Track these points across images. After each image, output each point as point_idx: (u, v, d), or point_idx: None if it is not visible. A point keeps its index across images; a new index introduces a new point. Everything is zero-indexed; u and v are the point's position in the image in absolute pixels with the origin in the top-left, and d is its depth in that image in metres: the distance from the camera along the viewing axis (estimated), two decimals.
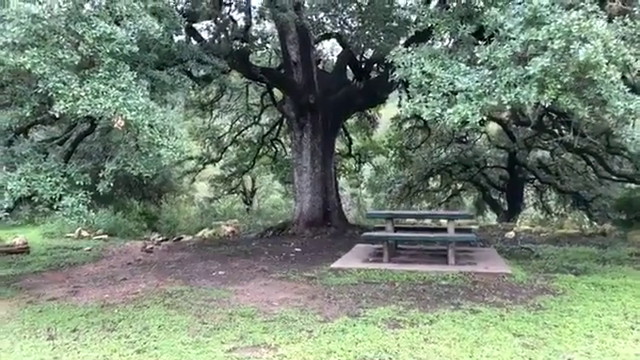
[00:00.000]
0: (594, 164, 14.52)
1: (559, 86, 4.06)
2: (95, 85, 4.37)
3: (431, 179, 24.07)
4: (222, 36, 11.64)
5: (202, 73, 8.15)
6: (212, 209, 20.39)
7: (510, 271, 7.06)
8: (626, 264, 7.98)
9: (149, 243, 12.05)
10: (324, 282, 6.79)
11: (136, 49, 4.56)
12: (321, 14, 15.69)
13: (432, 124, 4.79)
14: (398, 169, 22.91)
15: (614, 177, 14.26)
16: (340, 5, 15.01)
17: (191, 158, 19.25)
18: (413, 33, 12.29)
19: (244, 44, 11.41)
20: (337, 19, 15.74)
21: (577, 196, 21.81)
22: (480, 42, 4.60)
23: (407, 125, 20.52)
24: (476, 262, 7.84)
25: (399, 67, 4.99)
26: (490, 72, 4.38)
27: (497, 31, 4.40)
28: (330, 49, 16.72)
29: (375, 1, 14.24)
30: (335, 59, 15.54)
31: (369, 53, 15.29)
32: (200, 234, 13.91)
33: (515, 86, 4.19)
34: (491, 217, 24.68)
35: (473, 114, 4.32)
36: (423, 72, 4.66)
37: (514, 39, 4.18)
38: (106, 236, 13.45)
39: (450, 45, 5.08)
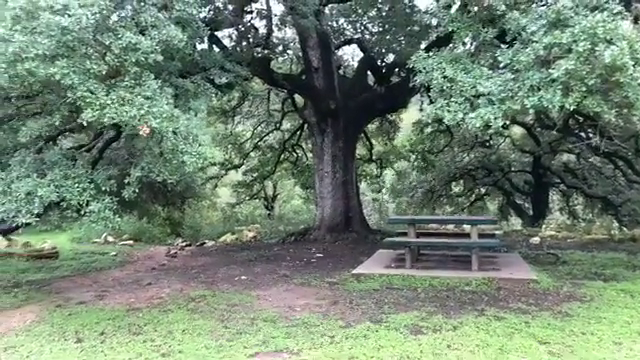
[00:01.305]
0: (623, 168, 14.13)
1: (584, 89, 3.98)
2: (121, 94, 4.49)
3: (454, 184, 23.84)
4: (244, 43, 11.81)
5: (224, 80, 8.25)
6: (234, 214, 20.58)
7: (535, 277, 6.93)
8: None
9: (173, 248, 12.24)
10: (346, 287, 6.79)
11: (160, 58, 4.66)
12: (341, 20, 15.80)
13: (454, 128, 4.75)
14: (420, 174, 22.76)
15: None
16: (360, 10, 15.08)
17: (214, 164, 19.47)
18: (434, 37, 12.25)
19: (265, 51, 11.54)
20: (357, 24, 15.82)
21: (605, 201, 21.27)
22: (502, 45, 4.55)
23: (429, 129, 20.37)
24: (500, 268, 7.72)
25: (420, 72, 4.97)
26: (513, 76, 4.32)
27: (519, 34, 4.34)
28: (351, 54, 16.75)
29: (396, 6, 14.26)
30: (356, 64, 15.58)
31: (390, 58, 15.27)
32: (223, 239, 14.06)
33: (539, 89, 4.13)
34: (515, 222, 24.25)
35: (495, 118, 4.27)
36: (444, 77, 4.63)
37: (537, 42, 4.13)
38: (131, 241, 13.72)
39: (472, 49, 5.03)
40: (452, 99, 4.58)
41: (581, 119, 14.58)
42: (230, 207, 21.94)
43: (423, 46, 13.95)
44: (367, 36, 15.84)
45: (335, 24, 15.24)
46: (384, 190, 24.92)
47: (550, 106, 4.07)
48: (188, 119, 5.20)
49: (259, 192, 22.08)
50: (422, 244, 8.27)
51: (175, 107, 5.31)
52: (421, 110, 18.86)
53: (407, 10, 13.88)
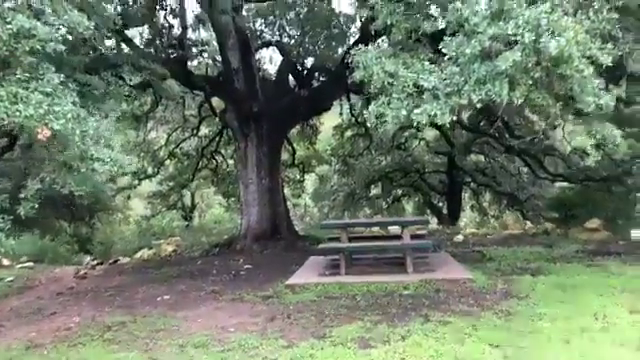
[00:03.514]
0: (532, 165, 15.06)
1: (530, 82, 3.92)
2: (12, 89, 3.71)
3: (372, 186, 24.25)
4: (157, 42, 10.96)
5: (138, 79, 7.46)
6: (150, 227, 19.22)
7: (471, 276, 6.94)
8: (574, 261, 8.15)
9: (82, 268, 11.02)
10: (281, 301, 6.34)
11: (61, 48, 3.93)
12: (259, 21, 15.36)
13: (374, 131, 4.49)
14: (341, 177, 22.92)
15: (551, 177, 14.85)
16: (279, 12, 14.75)
17: (125, 174, 18.07)
18: (355, 38, 12.21)
19: (180, 52, 10.79)
20: (276, 27, 15.50)
21: (512, 197, 22.72)
22: (446, 38, 4.39)
23: (349, 133, 20.55)
24: (434, 268, 7.68)
25: (358, 67, 4.69)
26: (458, 69, 4.18)
27: (462, 26, 4.22)
28: (269, 58, 16.37)
29: (314, 9, 14.10)
30: (275, 68, 15.20)
31: (309, 61, 15.12)
32: (139, 255, 12.98)
33: (485, 83, 4.01)
34: (431, 221, 25.11)
35: (443, 114, 4.09)
36: (385, 71, 4.39)
37: (482, 33, 4.01)
38: (31, 263, 12.21)
39: (408, 44, 4.85)
40: (394, 96, 4.34)
41: (493, 119, 15.39)
42: (145, 220, 20.50)
43: (340, 50, 13.98)
44: (286, 39, 15.59)
45: (253, 26, 14.80)
46: (305, 195, 24.75)
47: (498, 100, 3.96)
48: (98, 121, 4.47)
49: (176, 202, 20.83)
50: (356, 249, 8.03)
51: (82, 107, 4.59)
52: (341, 114, 18.98)
53: (326, 13, 13.80)
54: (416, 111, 4.16)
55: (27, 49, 3.73)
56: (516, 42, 3.93)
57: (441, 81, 4.18)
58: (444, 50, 4.26)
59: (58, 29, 3.93)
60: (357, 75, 4.69)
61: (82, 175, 4.28)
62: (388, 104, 4.34)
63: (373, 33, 5.51)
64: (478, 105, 4.10)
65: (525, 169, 22.49)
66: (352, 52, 4.91)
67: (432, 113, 4.08)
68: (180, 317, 5.84)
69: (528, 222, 17.52)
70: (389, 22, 4.66)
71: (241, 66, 11.62)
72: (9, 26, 3.68)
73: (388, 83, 4.37)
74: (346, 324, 5.14)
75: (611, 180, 12.67)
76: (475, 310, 5.41)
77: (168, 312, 6.08)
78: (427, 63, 4.46)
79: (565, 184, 16.56)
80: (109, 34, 6.71)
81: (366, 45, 4.92)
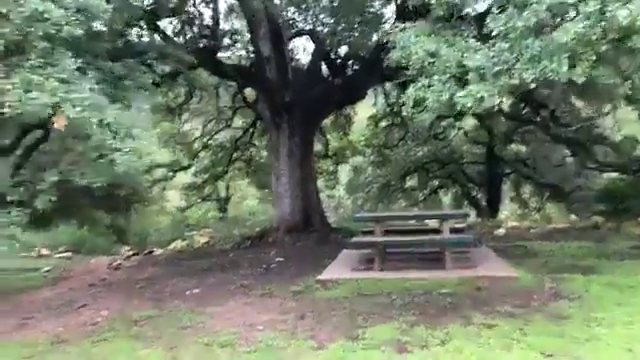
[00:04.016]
0: (580, 155, 14.19)
1: (594, 57, 3.44)
2: (26, 76, 3.53)
3: (408, 178, 23.72)
4: (189, 36, 10.81)
5: (166, 69, 7.28)
6: (185, 219, 19.35)
7: (515, 274, 6.47)
8: (629, 258, 7.53)
9: (116, 259, 11.10)
10: (312, 297, 6.06)
11: (79, 32, 3.73)
12: (292, 9, 15.05)
13: (435, 111, 4.06)
14: (376, 169, 22.52)
15: (600, 167, 13.95)
16: (311, 0, 14.40)
17: (160, 166, 18.24)
18: (391, 23, 11.72)
19: (212, 41, 10.62)
20: (309, 15, 15.16)
21: (556, 188, 21.72)
22: (494, 10, 3.93)
23: (384, 123, 20.07)
24: (475, 265, 7.23)
25: (394, 48, 4.30)
26: (507, 45, 3.72)
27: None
28: (302, 47, 16.08)
29: None
30: (308, 58, 14.86)
31: (343, 50, 14.72)
32: (172, 246, 13.01)
33: (540, 60, 3.55)
34: (470, 214, 24.36)
35: (491, 95, 3.65)
36: (425, 50, 3.98)
37: (537, 3, 3.53)
38: (69, 253, 12.41)
39: (450, 22, 4.41)
40: (435, 77, 3.93)
41: (534, 105, 14.59)
42: (180, 211, 20.68)
43: (375, 38, 13.48)
44: (319, 27, 15.22)
45: (285, 14, 14.52)
46: (339, 186, 24.43)
47: (556, 78, 3.49)
48: (119, 109, 4.27)
49: (211, 194, 20.89)
50: (391, 243, 7.66)
51: (110, 99, 4.40)
52: (375, 104, 18.49)
53: None
54: (460, 93, 3.73)
55: (41, 33, 3.55)
56: (577, 12, 3.45)
57: (489, 59, 3.71)
58: (491, 25, 3.80)
59: (74, 12, 3.74)
60: (394, 55, 4.29)
61: (101, 166, 4.10)
62: (428, 87, 3.92)
63: (412, 10, 5.06)
64: (532, 85, 3.63)
65: (570, 159, 21.48)
66: (388, 32, 4.50)
67: (479, 95, 3.64)
68: (208, 313, 5.65)
69: (573, 215, 16.63)
70: None
71: (273, 55, 11.36)
72: (22, 9, 3.51)
73: (428, 63, 3.95)
74: (380, 324, 4.81)
75: None
76: (522, 312, 4.96)
77: (196, 307, 5.90)
78: (472, 40, 4.01)
79: (615, 174, 15.60)
80: (137, 22, 6.55)
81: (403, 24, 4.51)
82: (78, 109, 3.60)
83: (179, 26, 10.77)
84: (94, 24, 4.66)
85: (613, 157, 14.56)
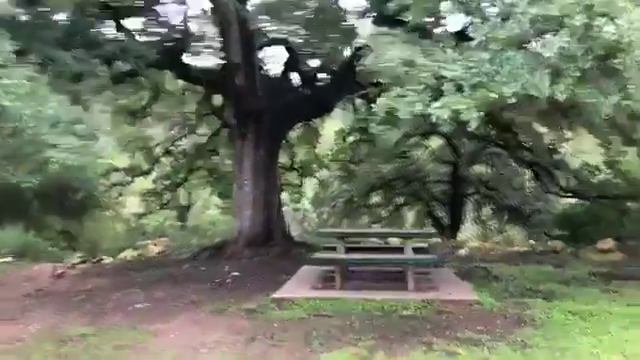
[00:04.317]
0: (543, 179, 14.40)
1: (577, 73, 3.27)
2: None
3: (373, 194, 23.70)
4: (154, 34, 10.34)
5: (127, 67, 6.81)
6: (142, 226, 18.55)
7: (477, 297, 6.29)
8: (590, 285, 7.49)
9: (61, 267, 10.36)
10: (266, 317, 5.68)
11: (15, 11, 3.30)
12: (265, 17, 14.80)
13: (404, 127, 3.80)
14: (342, 183, 22.43)
15: (562, 192, 14.18)
16: (285, 11, 14.21)
17: (117, 170, 17.47)
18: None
19: (179, 42, 10.16)
20: (282, 25, 14.97)
21: (516, 211, 22.10)
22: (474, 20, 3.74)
23: (351, 138, 19.99)
24: (437, 286, 7.01)
25: (366, 55, 4.04)
26: (488, 56, 3.52)
27: (494, 5, 3.57)
28: (274, 57, 15.81)
29: (324, 7, 13.53)
30: (279, 67, 14.60)
31: (315, 62, 14.55)
32: (123, 255, 12.33)
33: (521, 74, 3.34)
34: (435, 233, 24.45)
35: (468, 108, 3.43)
36: (400, 59, 3.74)
37: (521, 14, 3.34)
38: (9, 259, 11.55)
39: (427, 30, 4.21)
40: (409, 87, 3.69)
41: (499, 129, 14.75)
42: (137, 218, 19.83)
43: (348, 52, 13.37)
44: (292, 38, 15.04)
45: (258, 22, 14.27)
46: (305, 200, 24.14)
47: (537, 95, 3.30)
48: (60, 102, 3.83)
49: (170, 201, 20.11)
50: (354, 261, 7.37)
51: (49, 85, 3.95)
52: (343, 119, 18.36)
53: (335, 10, 13.21)
54: (435, 104, 3.50)
55: None
56: (562, 25, 3.28)
57: (467, 70, 3.51)
58: (472, 34, 3.60)
59: None
60: (367, 61, 4.02)
61: (33, 163, 3.63)
62: (402, 97, 3.68)
63: (389, 18, 4.80)
64: (512, 100, 3.43)
65: (530, 183, 21.97)
66: (364, 36, 4.26)
67: (455, 108, 3.41)
68: (151, 331, 5.19)
69: (533, 241, 16.85)
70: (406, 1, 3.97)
71: (243, 61, 11.02)
72: None
73: (403, 72, 3.71)
74: (337, 349, 4.49)
75: (626, 198, 12.00)
76: (485, 339, 4.74)
77: (139, 324, 5.43)
78: (450, 51, 3.81)
79: (574, 200, 15.90)
80: (96, 12, 6.09)
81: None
82: (11, 97, 3.16)
83: (144, 25, 10.29)
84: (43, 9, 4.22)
85: (574, 183, 14.86)
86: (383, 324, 5.30)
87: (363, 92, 9.97)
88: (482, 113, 3.46)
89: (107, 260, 11.98)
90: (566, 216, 16.38)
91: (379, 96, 4.33)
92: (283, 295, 6.57)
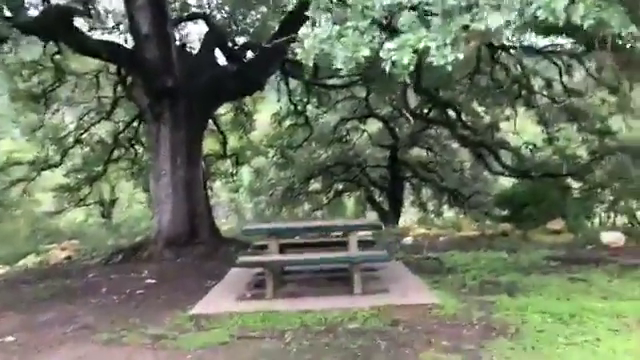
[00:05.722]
0: (486, 159, 13.92)
1: None
2: None
3: (312, 180, 22.93)
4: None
5: None
6: (49, 226, 16.34)
7: (436, 299, 5.32)
8: (551, 273, 6.83)
9: None
10: (177, 344, 4.38)
11: None
12: None
13: (348, 74, 2.62)
14: (279, 171, 21.39)
15: (507, 172, 13.76)
16: None
17: (19, 163, 15.21)
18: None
19: (68, 7, 8.44)
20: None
21: (455, 193, 22.06)
22: None
23: (287, 122, 18.83)
24: (387, 287, 6.00)
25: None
26: None
27: None
28: (197, 34, 14.26)
29: None
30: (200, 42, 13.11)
31: (241, 40, 13.26)
32: (22, 263, 10.46)
33: None
34: (371, 217, 24.08)
35: (438, 46, 2.29)
36: None
37: None
38: None
39: None
40: (349, 24, 2.49)
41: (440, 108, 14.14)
42: (49, 216, 17.53)
43: (277, 27, 12.13)
44: (214, 12, 13.67)
45: None
46: (241, 190, 22.75)
47: (552, 19, 2.22)
48: None
49: (86, 197, 17.94)
50: (288, 263, 6.19)
51: None
52: (279, 101, 17.12)
53: None
54: (389, 45, 2.34)
55: None
56: None
57: None
58: None
59: None
60: None
61: None
62: (339, 37, 2.46)
63: None
64: (505, 34, 2.35)
65: (468, 164, 21.98)
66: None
67: (420, 46, 2.25)
68: None
69: (477, 221, 16.55)
70: None
71: (153, 31, 9.42)
72: None
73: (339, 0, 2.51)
74: None
75: (570, 176, 11.69)
76: (453, 359, 3.75)
77: None
78: None
79: (512, 180, 15.67)
80: None
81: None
82: None
83: None
84: None
85: (514, 162, 14.56)
86: (325, 345, 4.17)
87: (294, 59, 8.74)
88: (461, 54, 2.34)
89: (2, 270, 10.08)
90: (506, 196, 16.15)
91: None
92: (202, 310, 5.30)
